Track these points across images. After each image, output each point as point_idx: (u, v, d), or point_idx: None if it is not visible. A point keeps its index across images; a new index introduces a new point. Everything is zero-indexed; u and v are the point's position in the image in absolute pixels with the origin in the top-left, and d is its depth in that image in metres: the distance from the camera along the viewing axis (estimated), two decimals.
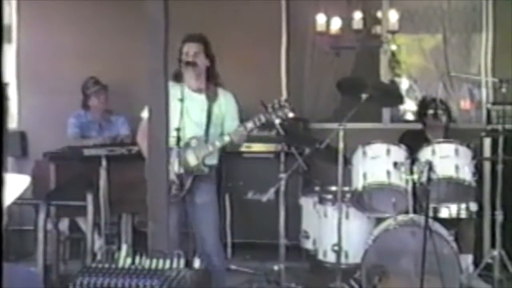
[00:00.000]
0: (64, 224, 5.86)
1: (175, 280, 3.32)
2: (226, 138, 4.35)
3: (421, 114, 5.85)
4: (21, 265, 2.34)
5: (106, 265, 3.45)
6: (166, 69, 3.81)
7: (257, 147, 5.95)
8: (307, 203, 5.26)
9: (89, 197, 4.20)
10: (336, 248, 4.68)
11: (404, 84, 7.94)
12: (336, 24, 5.99)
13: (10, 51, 7.23)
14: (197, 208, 4.42)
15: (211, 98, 4.45)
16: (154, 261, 3.46)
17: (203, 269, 3.50)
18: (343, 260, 4.72)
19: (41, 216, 3.82)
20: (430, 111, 5.64)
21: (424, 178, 4.47)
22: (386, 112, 6.76)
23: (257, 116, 4.31)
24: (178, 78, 4.41)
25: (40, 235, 3.77)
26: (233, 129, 4.36)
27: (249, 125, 4.32)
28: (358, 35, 6.06)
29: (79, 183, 4.40)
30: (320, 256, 5.00)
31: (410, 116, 7.58)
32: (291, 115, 4.36)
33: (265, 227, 5.85)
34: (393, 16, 6.02)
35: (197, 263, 3.48)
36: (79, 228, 5.84)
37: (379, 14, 6.23)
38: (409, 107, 7.57)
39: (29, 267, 2.62)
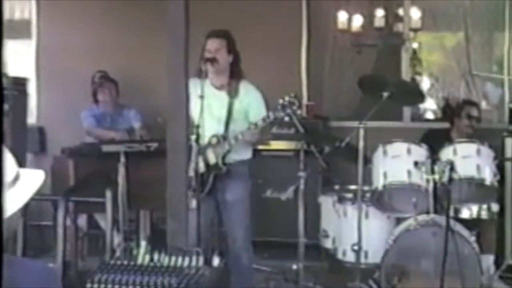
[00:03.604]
0: (82, 220, 5.86)
1: (194, 278, 3.31)
2: (239, 136, 4.33)
3: (452, 113, 5.78)
4: (39, 261, 2.34)
5: (125, 262, 3.45)
6: (186, 66, 3.80)
7: (276, 145, 5.90)
8: (326, 202, 5.21)
9: (108, 194, 4.19)
10: (355, 247, 4.63)
11: (425, 82, 7.87)
12: (357, 21, 5.94)
13: (29, 47, 7.27)
14: (228, 205, 4.41)
15: (232, 94, 4.42)
16: (173, 258, 3.46)
17: (222, 267, 3.49)
18: (362, 260, 4.67)
19: (60, 212, 3.82)
20: (468, 112, 5.60)
21: (445, 178, 4.41)
22: (406, 111, 6.71)
23: (267, 114, 4.29)
24: (200, 74, 4.38)
25: (60, 231, 3.76)
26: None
27: (260, 123, 4.29)
28: (380, 32, 6.01)
29: (98, 179, 4.39)
30: (339, 256, 4.94)
31: (430, 115, 7.50)
32: (299, 112, 4.32)
33: (283, 226, 5.83)
34: (415, 14, 5.97)
35: (216, 261, 3.46)
36: (97, 224, 5.84)
37: (400, 11, 6.17)
38: (429, 105, 7.49)
39: (46, 263, 2.61)
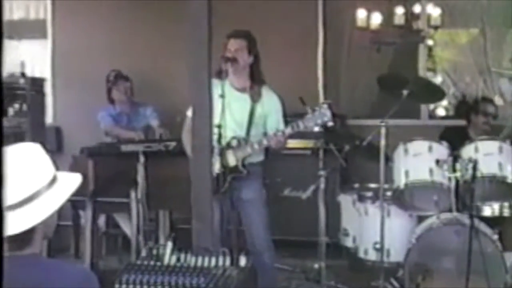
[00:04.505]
0: (100, 220, 5.86)
1: (222, 279, 3.30)
2: (264, 142, 4.31)
3: (469, 111, 5.76)
4: (78, 265, 2.34)
5: (152, 263, 3.44)
6: (209, 66, 3.79)
7: (294, 143, 5.87)
8: (346, 200, 5.20)
9: (133, 195, 4.17)
10: (377, 246, 4.62)
11: (438, 79, 7.84)
12: (376, 19, 5.91)
13: (45, 46, 7.27)
14: (245, 204, 4.39)
15: (255, 98, 4.40)
16: (200, 258, 3.44)
17: (249, 267, 3.47)
18: (384, 258, 4.66)
19: (88, 213, 3.82)
20: (484, 109, 5.57)
21: (467, 176, 4.40)
22: (424, 109, 6.68)
23: (296, 122, 4.23)
24: (220, 74, 4.36)
25: (87, 233, 3.76)
26: (275, 130, 4.32)
27: (287, 130, 4.25)
28: (399, 30, 5.98)
29: (121, 179, 4.38)
30: (361, 254, 4.93)
31: (441, 112, 7.47)
32: (330, 124, 4.26)
33: (302, 224, 5.82)
34: (435, 11, 5.94)
35: (243, 261, 3.45)
36: (115, 223, 5.84)
37: (417, 8, 6.13)
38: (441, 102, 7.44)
39: (85, 267, 2.62)
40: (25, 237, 2.07)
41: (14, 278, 2.03)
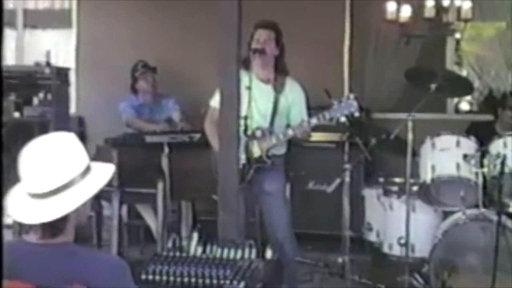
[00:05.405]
0: (123, 211, 5.84)
1: (248, 271, 3.28)
2: (290, 132, 4.28)
3: (496, 105, 5.71)
4: (109, 253, 2.34)
5: (177, 254, 3.43)
6: (238, 57, 3.76)
7: (319, 136, 5.82)
8: (371, 194, 5.17)
9: (160, 185, 4.16)
10: (402, 241, 4.58)
11: (463, 73, 7.76)
12: (406, 12, 5.86)
13: (70, 36, 7.29)
14: (267, 196, 4.36)
15: (278, 89, 4.37)
16: (226, 250, 3.43)
17: (275, 259, 3.46)
18: (409, 253, 4.61)
19: (115, 204, 3.81)
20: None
21: (495, 172, 4.35)
22: (450, 103, 6.61)
23: (322, 113, 4.19)
24: (246, 65, 4.32)
25: (115, 223, 3.76)
26: (299, 120, 4.28)
27: (313, 121, 4.22)
28: (429, 23, 5.91)
29: (145, 170, 4.37)
30: (385, 249, 4.90)
31: (465, 106, 7.39)
32: (357, 114, 4.21)
33: (326, 218, 5.79)
34: (465, 4, 5.86)
35: (269, 254, 3.43)
36: (137, 214, 5.83)
37: (446, 1, 6.03)
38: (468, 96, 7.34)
39: (111, 254, 2.62)
40: (58, 225, 2.08)
41: (47, 265, 2.05)
